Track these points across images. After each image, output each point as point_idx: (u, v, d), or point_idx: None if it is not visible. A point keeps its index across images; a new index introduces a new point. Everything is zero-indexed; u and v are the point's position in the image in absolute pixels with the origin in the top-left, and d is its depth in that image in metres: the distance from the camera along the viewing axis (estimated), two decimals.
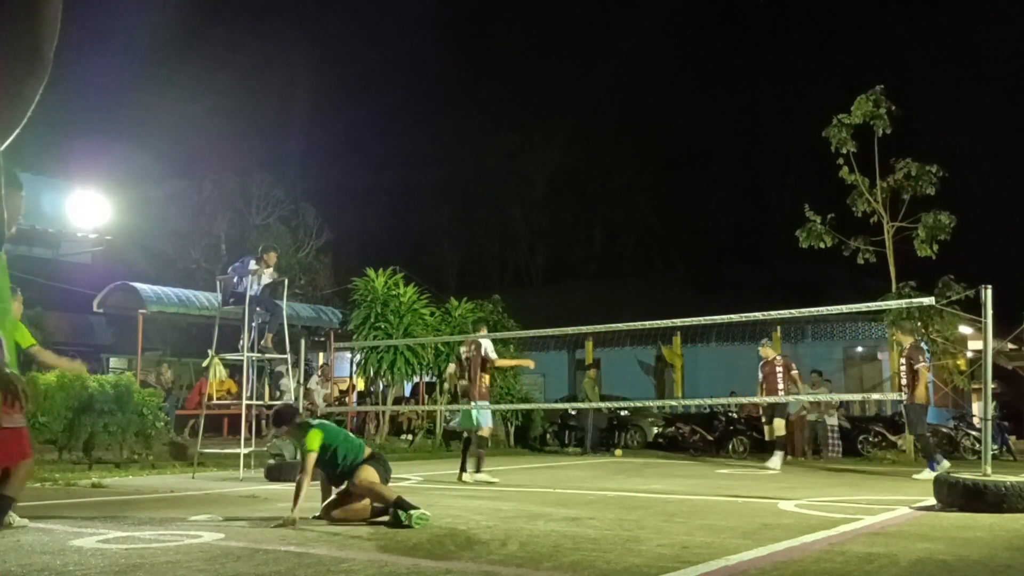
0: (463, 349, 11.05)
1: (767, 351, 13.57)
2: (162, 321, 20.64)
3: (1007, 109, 47.53)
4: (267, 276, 12.08)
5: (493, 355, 10.56)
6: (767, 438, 13.56)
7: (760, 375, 13.56)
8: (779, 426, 13.06)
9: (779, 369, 13.17)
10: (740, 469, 12.77)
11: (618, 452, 16.97)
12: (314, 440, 6.38)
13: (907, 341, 11.94)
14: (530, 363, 12.60)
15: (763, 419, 14.00)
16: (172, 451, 13.18)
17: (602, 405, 17.69)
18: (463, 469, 10.17)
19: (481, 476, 10.10)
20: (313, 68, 47.72)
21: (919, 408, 11.43)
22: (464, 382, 10.76)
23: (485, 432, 10.43)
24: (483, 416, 10.32)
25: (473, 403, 10.32)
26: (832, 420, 16.23)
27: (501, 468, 11.73)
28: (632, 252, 49.12)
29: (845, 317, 22.78)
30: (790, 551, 4.94)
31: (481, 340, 10.61)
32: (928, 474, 10.33)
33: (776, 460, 12.63)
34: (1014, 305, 13.79)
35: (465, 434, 10.66)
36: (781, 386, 13.06)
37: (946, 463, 10.77)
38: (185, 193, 27.92)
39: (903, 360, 11.66)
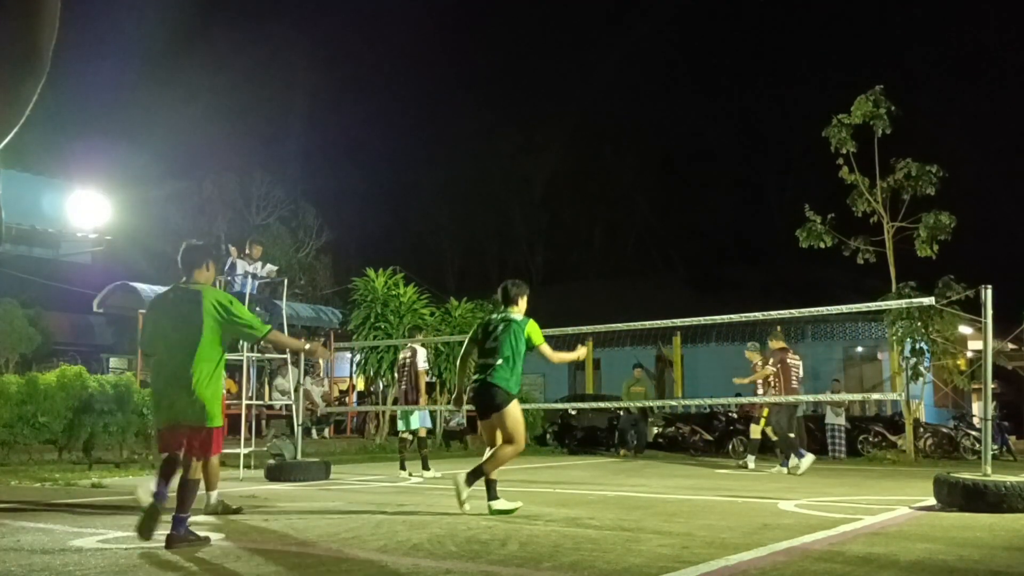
0: (402, 355, 11.50)
1: (753, 355, 13.10)
2: None
3: (1007, 109, 47.53)
4: (262, 271, 12.17)
5: (423, 366, 11.21)
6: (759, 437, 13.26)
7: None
8: (755, 430, 13.01)
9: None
10: (740, 469, 12.76)
11: (623, 452, 16.71)
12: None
13: (777, 345, 12.40)
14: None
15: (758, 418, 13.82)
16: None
17: (602, 405, 17.67)
18: (403, 468, 10.67)
19: (428, 474, 10.62)
20: (313, 68, 47.72)
21: (783, 408, 12.03)
22: (403, 387, 11.28)
23: (423, 432, 11.12)
24: (420, 418, 11.09)
25: (410, 407, 11.08)
26: (839, 420, 16.24)
27: (504, 468, 11.70)
28: (632, 252, 49.09)
29: (845, 317, 22.78)
30: (790, 551, 4.94)
31: (418, 348, 11.25)
32: (779, 469, 11.82)
33: (751, 461, 12.72)
34: (1014, 305, 13.79)
35: (401, 435, 11.37)
36: (761, 391, 12.63)
37: (783, 470, 11.74)
38: (185, 193, 27.95)
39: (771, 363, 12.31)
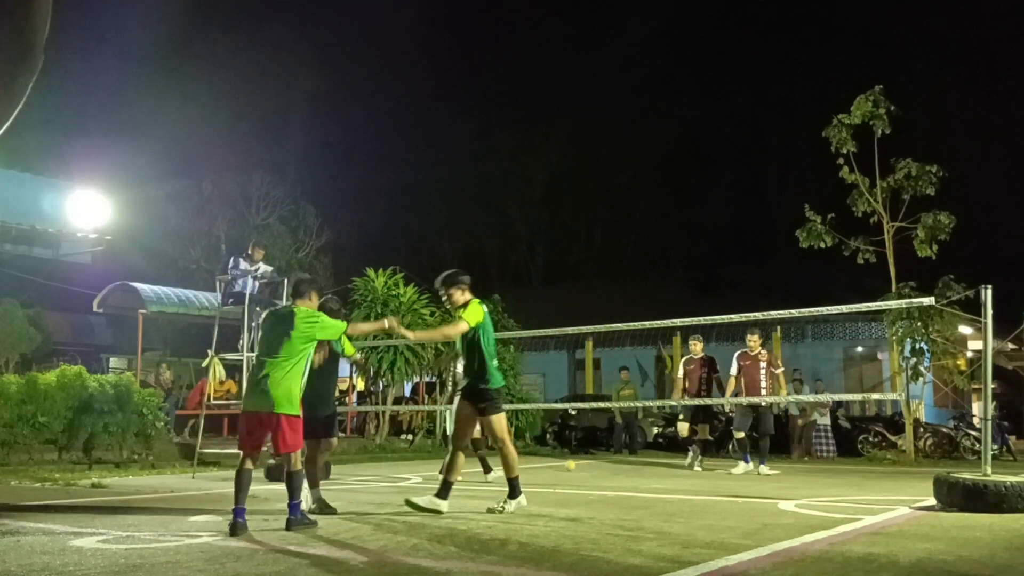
0: None
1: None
2: (162, 321, 20.65)
3: (1007, 109, 47.48)
4: (259, 272, 12.26)
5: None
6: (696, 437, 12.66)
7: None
8: (683, 428, 12.67)
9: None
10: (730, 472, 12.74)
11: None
12: (476, 313, 6.79)
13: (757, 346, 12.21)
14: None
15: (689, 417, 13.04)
16: (181, 451, 13.20)
17: (602, 405, 17.67)
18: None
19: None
20: (313, 68, 47.50)
21: (746, 408, 12.06)
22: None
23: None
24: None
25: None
26: (824, 420, 16.23)
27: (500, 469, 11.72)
28: (632, 252, 49.07)
29: (845, 317, 22.76)
30: (790, 551, 4.94)
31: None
32: (742, 467, 11.63)
33: (691, 459, 12.52)
34: (1014, 305, 13.77)
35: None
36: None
37: (747, 465, 11.76)
38: (185, 193, 27.92)
39: (764, 364, 12.08)
